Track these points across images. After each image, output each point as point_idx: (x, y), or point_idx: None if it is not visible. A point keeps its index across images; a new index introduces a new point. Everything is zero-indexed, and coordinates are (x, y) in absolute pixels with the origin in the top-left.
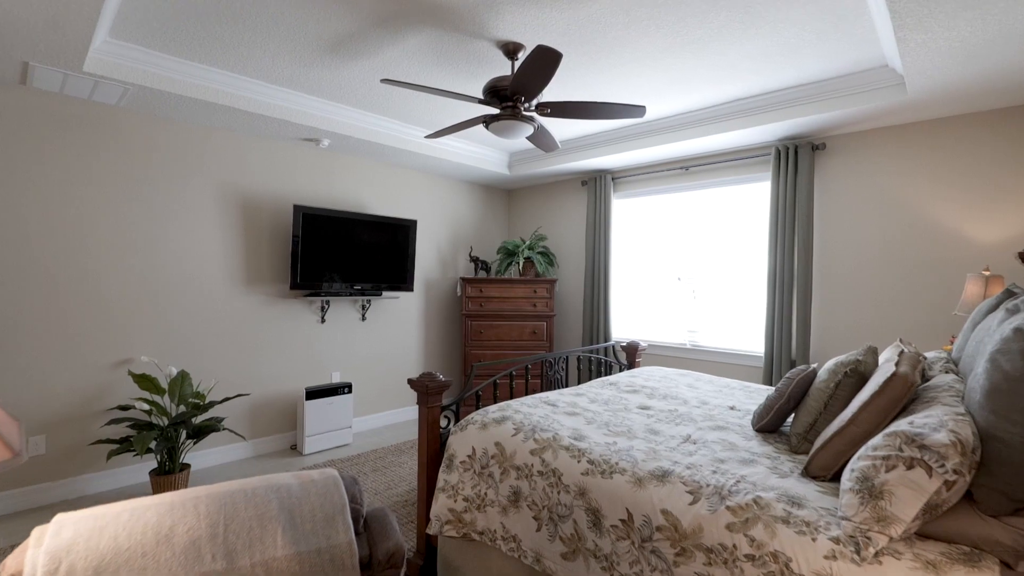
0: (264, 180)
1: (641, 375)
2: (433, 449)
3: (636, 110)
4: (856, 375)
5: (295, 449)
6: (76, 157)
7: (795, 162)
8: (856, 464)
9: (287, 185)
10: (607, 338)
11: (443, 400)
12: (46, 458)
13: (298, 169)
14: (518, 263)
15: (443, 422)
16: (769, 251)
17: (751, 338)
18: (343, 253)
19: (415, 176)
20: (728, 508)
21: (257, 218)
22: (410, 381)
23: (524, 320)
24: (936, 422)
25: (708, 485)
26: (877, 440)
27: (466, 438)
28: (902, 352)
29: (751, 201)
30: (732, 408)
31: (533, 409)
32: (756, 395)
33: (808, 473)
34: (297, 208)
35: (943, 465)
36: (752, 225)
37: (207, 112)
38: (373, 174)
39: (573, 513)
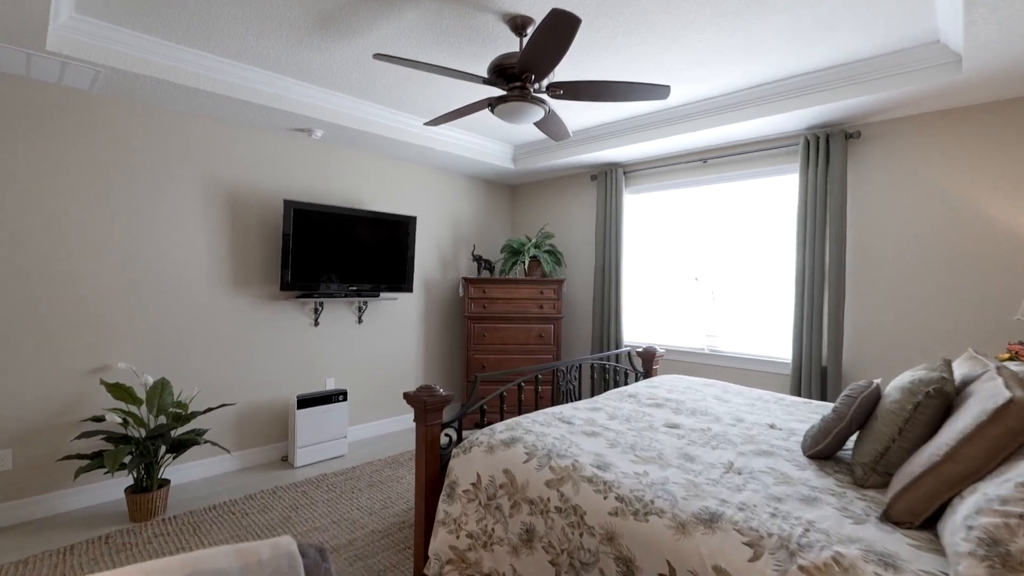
0: (253, 173)
1: (662, 386)
2: (432, 472)
3: (659, 90)
4: (940, 396)
5: (286, 461)
6: (49, 147)
7: (826, 152)
8: (976, 520)
9: (278, 178)
10: (618, 342)
11: (444, 416)
12: (13, 474)
13: (289, 161)
14: (523, 262)
15: (443, 440)
16: (797, 249)
17: (776, 343)
18: (337, 251)
19: (414, 170)
20: (801, 568)
21: (245, 214)
22: (406, 396)
23: (530, 322)
24: None
25: (771, 535)
26: (1005, 491)
27: (470, 462)
28: (1000, 368)
29: (777, 195)
30: (772, 427)
31: (546, 428)
32: (794, 409)
33: (889, 518)
34: (288, 203)
35: None
36: (778, 221)
37: (188, 98)
38: (369, 167)
39: (599, 561)
